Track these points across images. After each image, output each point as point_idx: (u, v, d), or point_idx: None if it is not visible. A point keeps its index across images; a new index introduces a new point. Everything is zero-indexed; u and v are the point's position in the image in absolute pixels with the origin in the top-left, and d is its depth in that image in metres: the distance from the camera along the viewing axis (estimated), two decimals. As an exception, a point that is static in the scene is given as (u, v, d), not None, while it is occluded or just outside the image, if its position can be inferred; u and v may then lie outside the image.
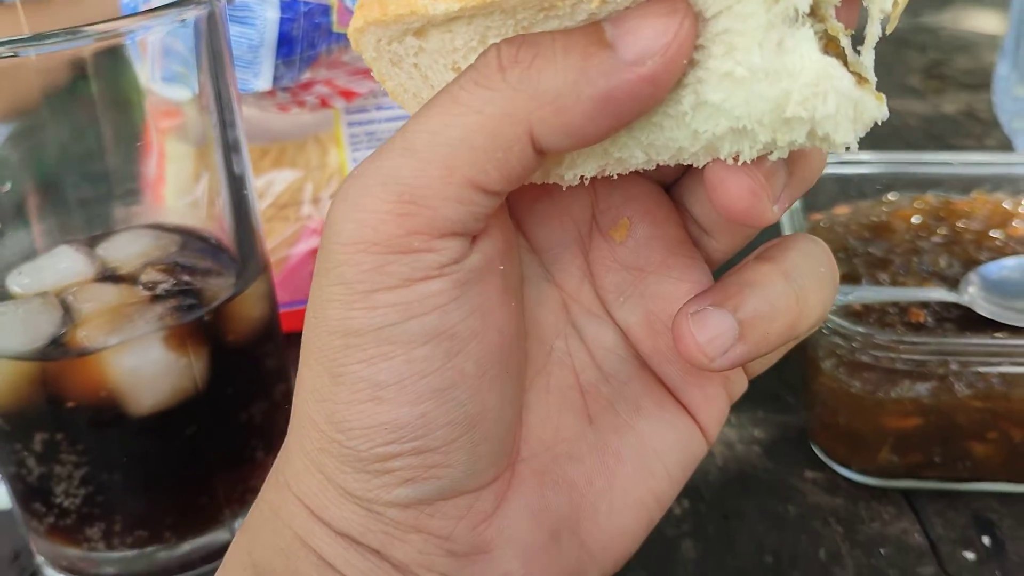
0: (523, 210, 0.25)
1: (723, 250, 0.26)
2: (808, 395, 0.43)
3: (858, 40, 0.20)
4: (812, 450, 0.43)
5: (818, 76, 0.18)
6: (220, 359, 0.34)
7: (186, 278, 0.35)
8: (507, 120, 0.19)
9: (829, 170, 0.51)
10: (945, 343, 0.37)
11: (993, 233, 0.47)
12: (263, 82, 0.44)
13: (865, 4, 0.19)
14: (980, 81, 0.89)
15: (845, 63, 0.19)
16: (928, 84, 0.91)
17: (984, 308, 0.41)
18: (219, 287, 0.35)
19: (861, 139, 0.20)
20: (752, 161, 0.20)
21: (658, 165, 0.22)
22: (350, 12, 0.45)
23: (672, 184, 0.26)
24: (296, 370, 0.42)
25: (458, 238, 0.20)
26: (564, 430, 0.25)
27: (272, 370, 0.37)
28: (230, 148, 0.35)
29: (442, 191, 0.20)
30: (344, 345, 0.21)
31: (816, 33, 0.18)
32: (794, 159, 0.21)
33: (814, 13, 0.19)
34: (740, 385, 0.26)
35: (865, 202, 0.51)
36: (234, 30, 0.44)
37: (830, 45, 0.19)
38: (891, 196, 0.51)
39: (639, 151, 0.21)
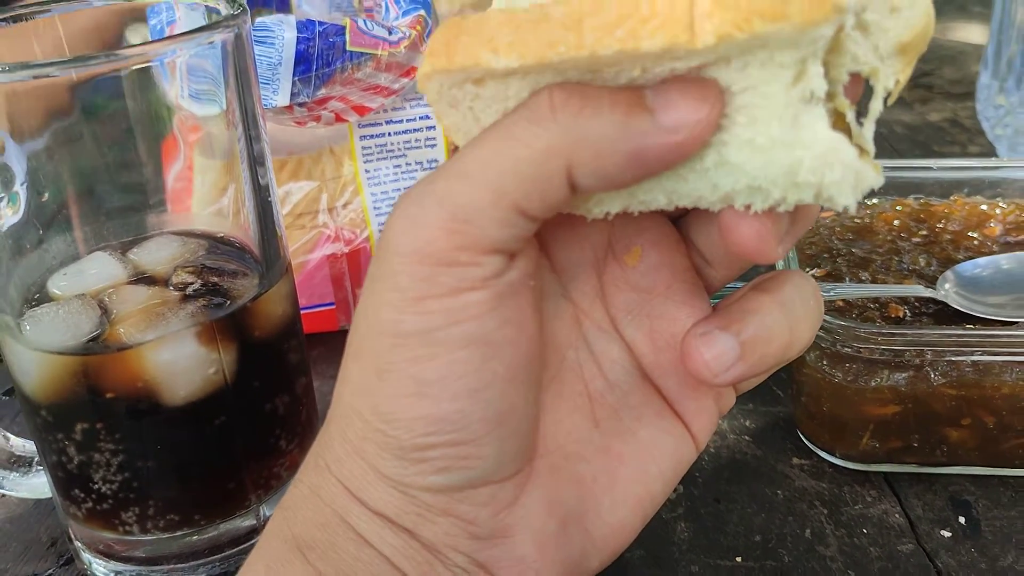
0: (548, 233, 0.28)
1: (721, 279, 0.29)
2: (794, 386, 0.45)
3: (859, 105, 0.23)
4: (798, 438, 0.46)
5: (827, 149, 0.21)
6: (247, 354, 0.37)
7: (214, 279, 0.38)
8: (551, 154, 0.22)
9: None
10: (920, 334, 0.40)
11: (971, 234, 0.50)
12: (282, 98, 0.47)
13: (871, 83, 0.22)
14: (965, 90, 0.92)
15: (850, 136, 0.22)
16: (914, 93, 0.94)
17: (958, 302, 0.43)
18: (245, 287, 0.38)
19: None
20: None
21: (676, 207, 0.25)
22: (362, 32, 0.48)
23: (679, 218, 0.29)
24: (316, 367, 0.45)
25: (500, 255, 0.23)
26: (574, 432, 0.27)
27: (295, 365, 0.40)
28: (255, 161, 0.38)
29: (490, 213, 0.22)
30: (393, 345, 0.23)
31: (827, 110, 0.21)
32: (797, 208, 0.24)
33: (824, 96, 0.22)
34: (729, 400, 0.29)
35: (849, 206, 0.54)
36: (254, 49, 0.47)
37: (838, 120, 0.22)
38: (873, 200, 0.54)
39: (662, 196, 0.24)
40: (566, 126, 0.22)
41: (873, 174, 0.22)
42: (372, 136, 0.53)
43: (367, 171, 0.54)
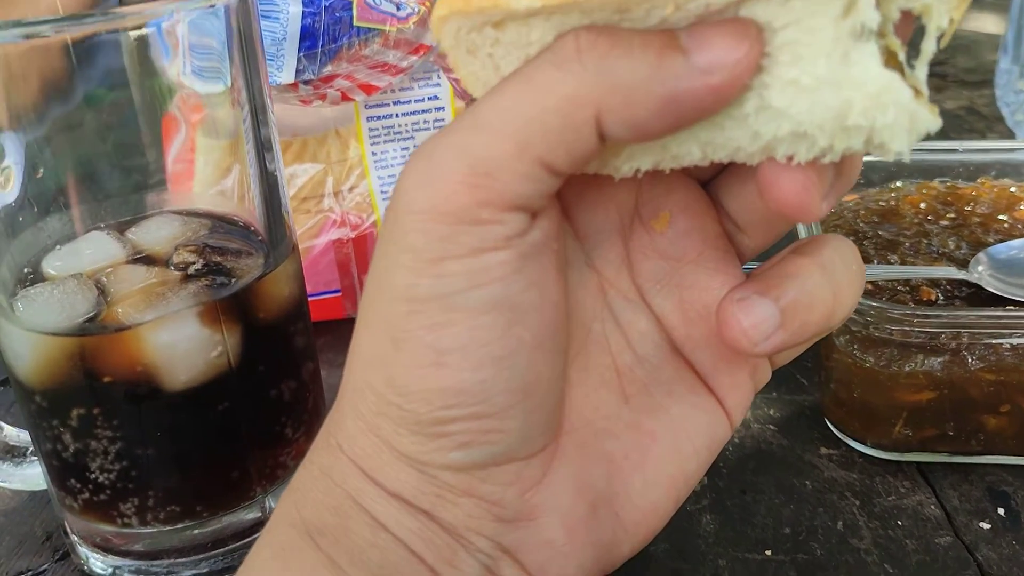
0: (570, 197, 0.26)
1: (753, 247, 0.27)
2: (822, 372, 0.43)
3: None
4: (826, 428, 0.44)
5: (880, 88, 0.19)
6: (252, 336, 0.35)
7: (216, 258, 0.36)
8: (578, 102, 0.20)
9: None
10: (957, 315, 0.38)
11: (1000, 216, 0.48)
12: (286, 75, 0.45)
13: (923, 21, 0.20)
14: (981, 79, 0.90)
15: (903, 76, 0.20)
16: (929, 82, 0.92)
17: (993, 285, 0.42)
18: (249, 267, 0.36)
19: None
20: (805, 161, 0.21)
21: (712, 162, 0.23)
22: (370, 7, 0.47)
23: (708, 182, 0.27)
24: (322, 355, 0.43)
25: (523, 213, 0.21)
26: (602, 407, 0.26)
27: (301, 349, 0.38)
28: (263, 145, 0.36)
29: (513, 166, 0.20)
30: (409, 311, 0.22)
31: (879, 48, 0.20)
32: (841, 161, 0.22)
33: (877, 29, 0.20)
34: (765, 374, 0.27)
35: (872, 189, 0.52)
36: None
37: (890, 59, 0.20)
38: (898, 183, 0.52)
39: (696, 148, 0.22)
40: (594, 70, 0.20)
41: (930, 116, 0.20)
42: (379, 117, 0.52)
43: (374, 154, 0.52)
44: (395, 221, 0.22)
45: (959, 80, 0.93)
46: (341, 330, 0.55)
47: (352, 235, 0.52)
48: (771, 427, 0.44)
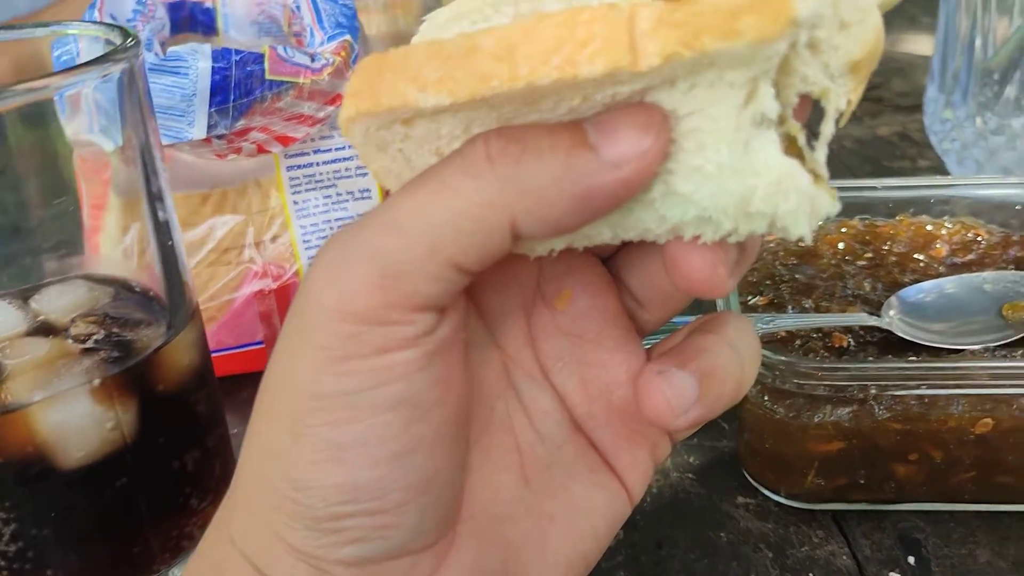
0: (475, 279, 0.26)
1: (653, 321, 0.27)
2: (737, 422, 0.44)
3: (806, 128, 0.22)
4: (743, 475, 0.44)
5: (781, 176, 0.20)
6: (150, 409, 0.35)
7: (116, 329, 0.35)
8: (492, 208, 0.20)
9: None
10: (863, 368, 0.38)
11: (917, 256, 0.49)
12: (198, 131, 0.45)
13: (822, 104, 0.21)
14: (915, 103, 0.92)
15: (803, 161, 0.20)
16: (863, 107, 0.93)
17: (903, 330, 0.42)
18: (149, 337, 0.35)
19: None
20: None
21: (621, 240, 0.23)
22: (282, 60, 0.46)
23: (609, 258, 0.27)
24: (244, 411, 0.42)
25: (431, 312, 0.21)
26: (503, 491, 0.26)
27: (205, 417, 0.38)
28: (155, 197, 0.36)
29: (424, 268, 0.20)
30: (310, 407, 0.22)
31: (778, 135, 0.20)
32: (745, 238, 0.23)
33: (776, 118, 0.20)
34: (664, 451, 0.28)
35: (795, 229, 0.52)
36: (167, 80, 0.45)
37: (790, 146, 0.21)
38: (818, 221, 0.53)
39: (607, 229, 0.23)
40: (505, 177, 0.20)
41: (828, 200, 0.20)
42: (300, 167, 0.51)
43: (295, 203, 0.52)
44: (302, 315, 0.22)
45: (893, 104, 0.94)
46: (265, 382, 0.54)
47: (274, 286, 0.52)
48: (690, 476, 0.44)
